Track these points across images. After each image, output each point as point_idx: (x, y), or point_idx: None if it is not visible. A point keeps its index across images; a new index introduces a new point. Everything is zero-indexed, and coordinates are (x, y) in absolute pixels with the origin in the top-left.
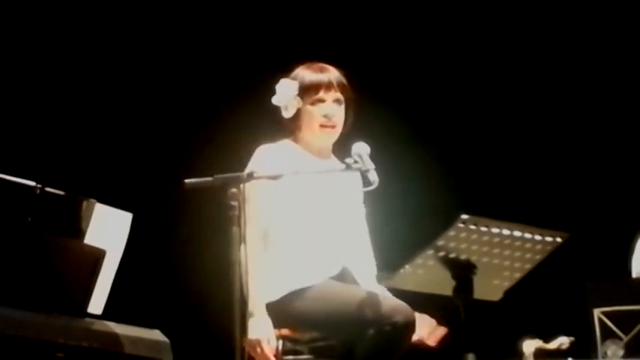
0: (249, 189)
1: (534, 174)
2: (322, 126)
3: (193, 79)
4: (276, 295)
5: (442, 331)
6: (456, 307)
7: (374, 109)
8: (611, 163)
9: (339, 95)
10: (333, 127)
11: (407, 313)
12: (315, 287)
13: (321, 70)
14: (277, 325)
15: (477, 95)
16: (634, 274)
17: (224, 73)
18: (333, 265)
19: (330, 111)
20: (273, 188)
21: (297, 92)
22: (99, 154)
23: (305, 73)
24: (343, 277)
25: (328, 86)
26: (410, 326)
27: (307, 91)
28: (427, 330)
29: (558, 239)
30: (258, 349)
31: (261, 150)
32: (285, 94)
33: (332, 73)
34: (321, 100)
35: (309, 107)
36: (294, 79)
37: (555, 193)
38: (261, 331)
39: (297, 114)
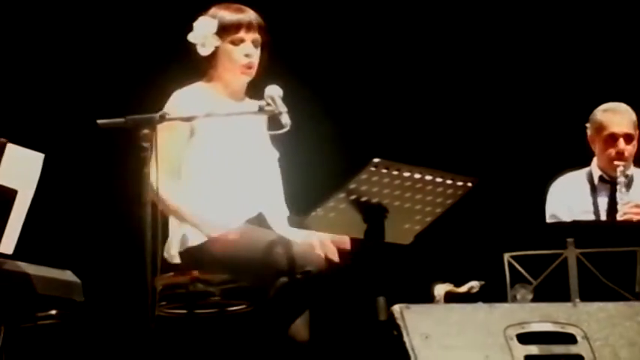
0: (162, 130)
1: (449, 122)
2: (242, 65)
3: (108, 19)
4: (195, 241)
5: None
6: (366, 250)
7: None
8: (528, 112)
9: (257, 37)
10: (251, 67)
11: (318, 262)
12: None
13: (242, 11)
14: (191, 267)
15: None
16: (547, 218)
17: (139, 14)
18: (249, 209)
19: (250, 51)
20: (187, 130)
21: (215, 30)
22: (9, 94)
23: (225, 13)
24: (259, 221)
25: (249, 26)
26: (321, 274)
27: (227, 29)
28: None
29: (469, 184)
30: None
31: (176, 94)
32: (203, 31)
33: (252, 14)
34: (241, 40)
35: (228, 46)
36: (213, 17)
37: (470, 141)
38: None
39: (215, 53)
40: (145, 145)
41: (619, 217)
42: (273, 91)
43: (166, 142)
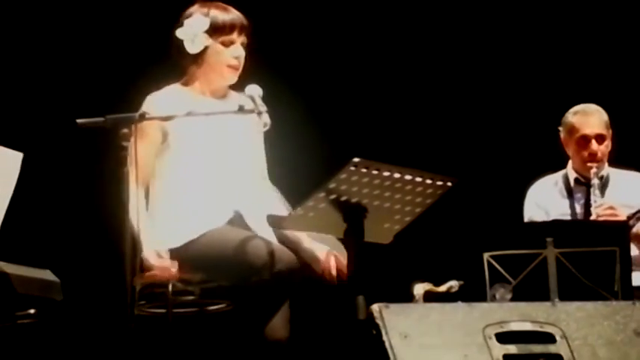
0: (141, 130)
1: (430, 122)
2: (230, 66)
3: (86, 19)
4: (173, 243)
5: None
6: (346, 250)
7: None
8: (507, 114)
9: (245, 39)
10: (239, 68)
11: (289, 261)
12: (208, 233)
13: (231, 12)
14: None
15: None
16: (525, 220)
17: (118, 14)
18: (225, 211)
19: (240, 53)
20: (158, 136)
21: (206, 29)
22: None
23: (217, 12)
24: (235, 221)
25: (240, 29)
26: (292, 274)
27: (219, 30)
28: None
29: (448, 183)
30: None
31: (150, 97)
32: (194, 28)
33: (241, 16)
34: (232, 42)
35: (218, 46)
36: (205, 15)
37: (450, 142)
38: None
39: (202, 51)
40: (125, 144)
41: (592, 219)
42: (254, 90)
43: (137, 148)
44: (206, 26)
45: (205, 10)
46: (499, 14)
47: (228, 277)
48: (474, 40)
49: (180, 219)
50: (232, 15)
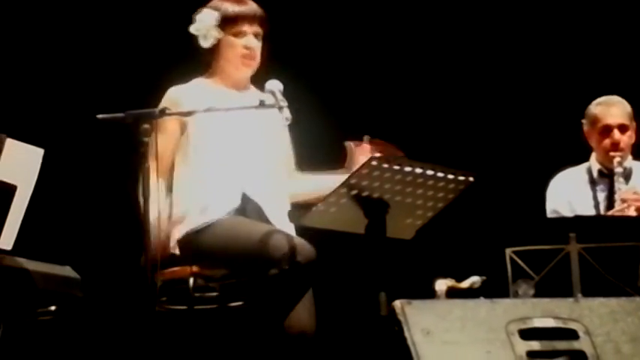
0: (161, 123)
1: (451, 118)
2: (243, 57)
3: (107, 16)
4: (191, 226)
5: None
6: (368, 246)
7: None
8: (528, 108)
9: (258, 29)
10: (253, 59)
11: (307, 254)
12: (220, 223)
13: (243, 3)
14: (189, 259)
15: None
16: (548, 213)
17: (138, 11)
18: (232, 199)
19: (252, 43)
20: (177, 130)
21: (217, 22)
22: (8, 90)
23: (227, 5)
24: (254, 214)
25: (250, 19)
26: (311, 265)
27: (229, 22)
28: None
29: (470, 179)
30: None
31: (171, 90)
32: (204, 23)
33: (253, 6)
34: (243, 32)
35: (230, 38)
36: (216, 9)
37: (472, 137)
38: None
39: (217, 45)
40: (145, 139)
41: (617, 206)
42: (274, 85)
43: (157, 142)
44: (216, 20)
45: (215, 3)
46: (522, 9)
47: (246, 269)
48: (495, 34)
49: (197, 205)
50: (242, 6)
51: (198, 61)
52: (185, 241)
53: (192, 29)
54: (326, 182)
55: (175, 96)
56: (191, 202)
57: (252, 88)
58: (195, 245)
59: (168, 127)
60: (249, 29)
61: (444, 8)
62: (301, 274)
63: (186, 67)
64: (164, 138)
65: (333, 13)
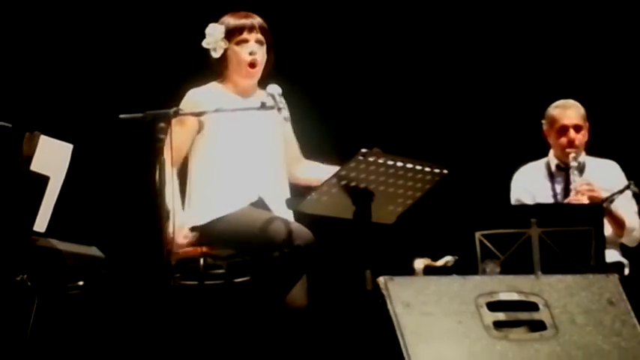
0: (174, 124)
1: (430, 117)
2: (247, 64)
3: (135, 25)
4: (202, 220)
5: None
6: (355, 230)
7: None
8: (495, 110)
9: (260, 37)
10: (255, 66)
11: (306, 238)
12: (233, 213)
13: (245, 16)
14: (200, 243)
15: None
16: (512, 202)
17: (162, 21)
18: (250, 194)
19: (254, 49)
20: (195, 125)
21: (223, 35)
22: (43, 93)
23: (230, 18)
24: (258, 204)
25: (251, 28)
26: (309, 248)
27: (232, 32)
28: None
29: (444, 171)
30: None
31: (190, 92)
32: (212, 36)
33: (254, 18)
34: (245, 40)
35: (234, 47)
36: (221, 23)
37: (448, 135)
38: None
39: (225, 55)
40: (161, 136)
41: (572, 196)
42: (274, 89)
43: (176, 133)
44: (222, 33)
45: (222, 19)
46: (488, 12)
47: (252, 252)
48: (467, 38)
49: (211, 200)
50: (242, 17)
51: (211, 71)
52: (200, 228)
53: (204, 43)
54: (327, 172)
55: (195, 98)
56: (208, 196)
57: (259, 92)
58: (208, 232)
59: (188, 122)
60: (251, 37)
61: (410, 13)
62: (301, 255)
63: (202, 73)
64: (183, 132)
65: (322, 16)
